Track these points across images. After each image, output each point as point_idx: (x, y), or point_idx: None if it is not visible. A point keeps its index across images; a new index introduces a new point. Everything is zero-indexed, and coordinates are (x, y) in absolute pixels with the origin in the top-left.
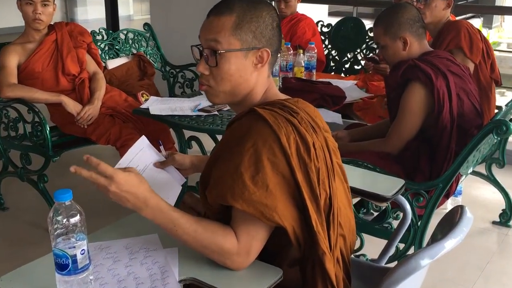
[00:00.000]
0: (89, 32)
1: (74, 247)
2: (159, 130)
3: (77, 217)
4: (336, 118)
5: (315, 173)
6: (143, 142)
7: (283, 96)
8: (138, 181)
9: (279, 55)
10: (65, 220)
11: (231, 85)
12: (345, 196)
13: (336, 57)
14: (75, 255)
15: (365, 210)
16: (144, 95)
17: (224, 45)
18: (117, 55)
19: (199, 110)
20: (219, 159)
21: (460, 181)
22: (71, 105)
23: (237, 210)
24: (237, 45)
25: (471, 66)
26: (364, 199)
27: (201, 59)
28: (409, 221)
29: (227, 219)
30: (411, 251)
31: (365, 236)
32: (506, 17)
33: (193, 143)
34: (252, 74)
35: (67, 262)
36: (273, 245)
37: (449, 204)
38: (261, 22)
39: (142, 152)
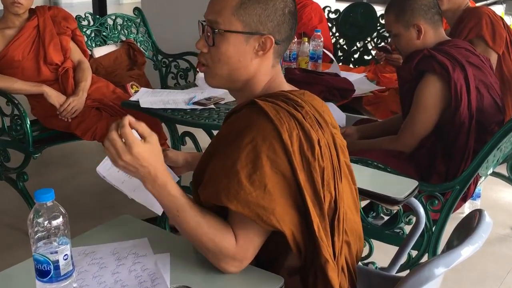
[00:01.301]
0: (74, 17)
1: (57, 252)
2: (150, 124)
3: (60, 219)
4: (340, 118)
5: (319, 173)
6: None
7: (288, 87)
8: (154, 155)
9: None
10: (46, 222)
11: (228, 68)
12: (352, 199)
13: (344, 47)
14: (57, 261)
15: (374, 214)
16: (133, 86)
17: (224, 25)
18: (104, 43)
19: (194, 103)
20: (214, 155)
21: (478, 183)
22: (54, 96)
23: (233, 211)
24: (239, 26)
25: (493, 57)
26: (374, 201)
27: (202, 36)
28: (422, 226)
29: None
30: (425, 258)
31: (375, 242)
32: None
33: (187, 139)
34: (252, 61)
35: (48, 268)
36: (270, 251)
37: (466, 208)
38: (270, 6)
39: None
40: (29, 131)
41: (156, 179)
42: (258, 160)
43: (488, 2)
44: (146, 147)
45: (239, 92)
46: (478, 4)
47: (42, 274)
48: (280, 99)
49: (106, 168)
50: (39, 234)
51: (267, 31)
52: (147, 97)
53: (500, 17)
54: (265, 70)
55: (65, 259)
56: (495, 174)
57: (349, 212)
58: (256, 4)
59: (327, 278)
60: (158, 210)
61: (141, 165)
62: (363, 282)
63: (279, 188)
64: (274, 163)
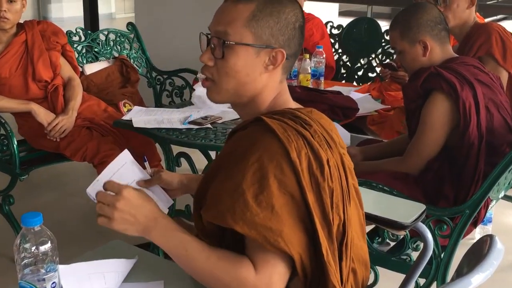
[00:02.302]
0: (64, 32)
1: (44, 279)
2: (144, 145)
3: (48, 245)
4: (344, 137)
5: (328, 195)
6: (126, 156)
7: (294, 105)
8: (146, 197)
9: None
10: (34, 248)
11: (235, 82)
12: (359, 224)
13: (348, 63)
14: None
15: (380, 240)
16: (126, 104)
17: (235, 37)
18: (96, 59)
19: (190, 122)
20: (218, 175)
21: (489, 207)
22: (42, 114)
23: (247, 237)
24: (250, 39)
25: (504, 76)
26: (379, 226)
27: (207, 48)
28: (430, 253)
29: (223, 245)
30: (433, 287)
31: (380, 270)
32: None
33: (182, 160)
34: (261, 75)
35: None
36: None
37: (477, 234)
38: (282, 19)
39: (124, 169)
40: (16, 152)
41: (158, 221)
42: (265, 180)
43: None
44: (134, 191)
45: (243, 108)
46: (487, 20)
47: None
48: (287, 117)
49: (96, 189)
50: (26, 260)
51: (278, 44)
52: (140, 116)
53: (511, 33)
54: (273, 86)
55: (53, 287)
56: (506, 197)
57: (356, 237)
58: (269, 16)
59: None
60: None
61: (138, 210)
62: None
63: (287, 209)
64: (282, 183)
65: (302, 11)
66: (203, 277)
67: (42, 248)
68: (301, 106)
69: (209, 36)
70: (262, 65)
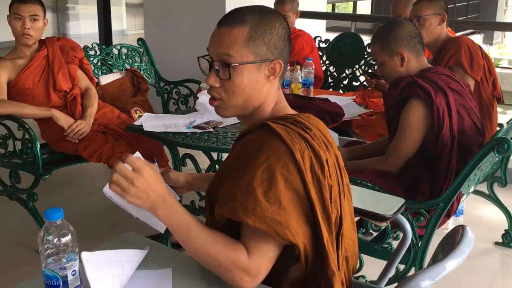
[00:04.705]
0: (81, 47)
1: (65, 267)
2: (153, 147)
3: (68, 237)
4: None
5: (328, 191)
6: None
7: (292, 111)
8: (160, 177)
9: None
10: (56, 239)
11: (243, 98)
12: (351, 217)
13: (334, 73)
14: (66, 276)
15: (364, 230)
16: (137, 111)
17: (237, 58)
18: (110, 71)
19: (194, 127)
20: (229, 174)
21: (461, 201)
22: (63, 119)
23: (247, 226)
24: (250, 57)
25: (472, 83)
26: (363, 218)
27: (211, 71)
28: (409, 242)
29: (232, 235)
30: (412, 272)
31: (364, 257)
32: (507, 33)
33: (188, 160)
34: (264, 86)
35: (57, 284)
36: (277, 264)
37: (450, 224)
38: (274, 34)
39: None
40: (39, 154)
41: (166, 201)
42: (273, 178)
43: (467, 32)
44: (152, 171)
45: (249, 117)
46: (458, 34)
47: None
48: (289, 122)
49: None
50: (49, 251)
51: (274, 56)
52: (150, 122)
53: (479, 46)
54: (273, 93)
55: (73, 275)
56: (476, 192)
57: (348, 229)
58: (263, 35)
59: None
60: (161, 228)
61: (152, 188)
62: None
63: (293, 204)
64: (288, 180)
65: (287, 22)
66: (201, 255)
67: (63, 240)
68: (298, 113)
69: (209, 59)
70: (263, 77)
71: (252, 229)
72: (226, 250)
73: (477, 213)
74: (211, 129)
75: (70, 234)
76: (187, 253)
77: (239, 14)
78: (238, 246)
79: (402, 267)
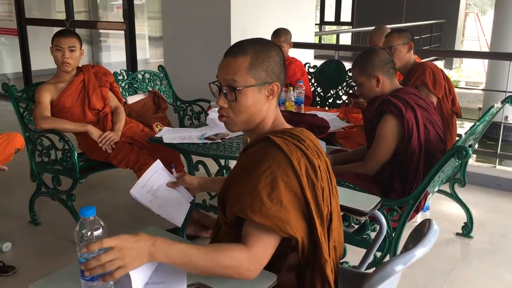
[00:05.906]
0: (112, 73)
1: None
2: (171, 155)
3: (100, 231)
4: (322, 146)
5: (320, 192)
6: (157, 165)
7: (288, 125)
8: (131, 233)
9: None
10: (89, 233)
11: (247, 115)
12: (338, 213)
13: (321, 93)
14: None
15: (347, 223)
16: (158, 126)
17: (241, 83)
18: (135, 92)
19: (205, 138)
20: (237, 180)
21: (428, 198)
22: (96, 133)
23: (253, 222)
24: (253, 81)
25: (435, 100)
26: (346, 213)
27: (220, 94)
28: (384, 233)
29: (239, 230)
30: (387, 258)
31: (348, 246)
32: (464, 59)
33: (200, 166)
34: (264, 105)
35: None
36: (276, 251)
37: (418, 218)
38: (271, 61)
39: (157, 174)
40: (76, 162)
41: (156, 244)
42: (275, 182)
43: (431, 58)
44: (117, 237)
45: (252, 131)
46: (423, 60)
47: None
48: (287, 135)
49: (137, 190)
50: (84, 242)
51: (272, 79)
52: (168, 134)
53: (441, 69)
54: (272, 111)
55: None
56: (440, 191)
57: (336, 223)
58: (263, 62)
59: (325, 275)
60: (179, 223)
61: (133, 244)
62: (340, 278)
63: (292, 203)
64: (288, 184)
65: (281, 50)
66: (210, 271)
67: (96, 233)
68: (293, 127)
69: (218, 84)
70: (264, 97)
71: (257, 225)
72: (228, 253)
73: (441, 208)
74: (219, 140)
75: (101, 228)
76: (199, 275)
77: (242, 46)
78: (235, 245)
79: (379, 254)
